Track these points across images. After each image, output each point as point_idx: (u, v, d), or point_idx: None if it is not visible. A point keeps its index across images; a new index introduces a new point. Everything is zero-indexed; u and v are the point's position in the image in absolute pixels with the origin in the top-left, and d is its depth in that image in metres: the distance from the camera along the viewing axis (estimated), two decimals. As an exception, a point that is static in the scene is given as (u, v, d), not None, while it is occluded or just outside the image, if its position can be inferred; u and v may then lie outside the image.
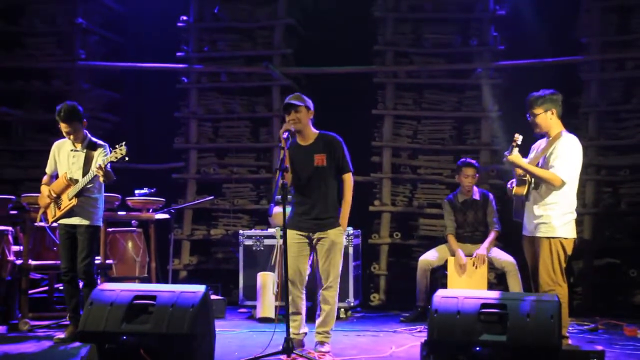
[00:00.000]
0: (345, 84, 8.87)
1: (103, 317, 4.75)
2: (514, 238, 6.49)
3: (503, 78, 8.71)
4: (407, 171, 8.86)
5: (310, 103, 5.68)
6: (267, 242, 7.67)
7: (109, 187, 6.34)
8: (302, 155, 5.65)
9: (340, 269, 5.70)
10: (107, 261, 7.45)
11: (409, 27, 8.99)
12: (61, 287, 6.84)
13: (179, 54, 9.25)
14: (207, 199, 8.31)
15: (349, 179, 5.66)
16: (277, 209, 5.72)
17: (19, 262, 6.92)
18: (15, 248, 7.07)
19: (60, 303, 7.36)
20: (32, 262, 6.86)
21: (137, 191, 7.57)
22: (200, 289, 4.94)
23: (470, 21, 8.85)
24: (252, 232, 7.88)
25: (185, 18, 9.23)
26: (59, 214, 6.12)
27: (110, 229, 7.71)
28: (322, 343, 5.61)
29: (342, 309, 7.49)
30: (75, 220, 6.11)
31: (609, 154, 8.45)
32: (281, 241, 6.84)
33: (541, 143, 5.77)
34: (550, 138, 5.64)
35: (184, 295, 4.85)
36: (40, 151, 8.42)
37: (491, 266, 7.32)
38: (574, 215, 5.64)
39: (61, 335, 6.13)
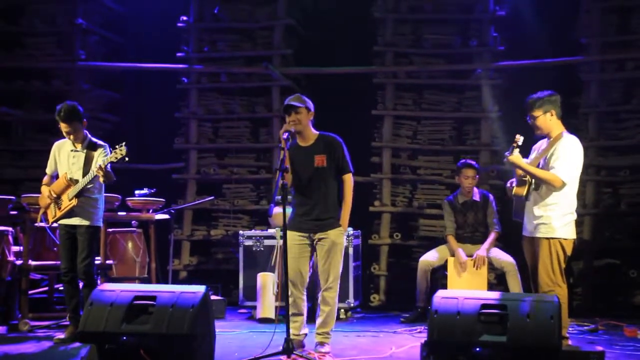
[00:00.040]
0: (345, 85, 8.87)
1: (103, 317, 4.75)
2: (514, 238, 6.50)
3: (503, 78, 8.72)
4: (407, 172, 8.86)
5: (310, 104, 5.68)
6: (267, 242, 7.67)
7: (109, 187, 6.34)
8: (303, 156, 5.65)
9: (341, 269, 5.70)
10: (107, 261, 7.45)
11: (409, 28, 8.99)
12: (61, 288, 6.83)
13: (179, 54, 9.25)
14: (207, 199, 8.30)
15: (349, 179, 5.66)
16: (277, 210, 5.72)
17: (19, 262, 6.92)
18: (15, 248, 7.07)
19: (60, 303, 7.35)
20: (32, 263, 6.86)
21: (137, 191, 7.57)
22: (200, 289, 4.94)
23: (470, 22, 8.85)
24: (252, 232, 7.88)
25: (185, 18, 9.24)
26: (59, 214, 6.12)
27: (110, 230, 7.71)
28: (322, 344, 5.61)
29: (342, 310, 7.49)
30: (75, 221, 6.11)
31: (609, 154, 8.45)
32: (281, 242, 6.84)
33: (542, 144, 5.77)
34: (551, 139, 5.65)
35: (184, 295, 4.86)
36: (40, 151, 8.42)
37: (491, 266, 7.32)
38: (574, 216, 5.65)
39: (61, 335, 6.13)
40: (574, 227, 5.63)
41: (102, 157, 5.98)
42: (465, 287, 6.92)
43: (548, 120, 5.63)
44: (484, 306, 4.62)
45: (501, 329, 4.52)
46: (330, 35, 8.95)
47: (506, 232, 7.46)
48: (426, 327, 5.22)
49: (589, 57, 8.47)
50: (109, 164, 5.91)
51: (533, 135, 5.80)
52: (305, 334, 5.72)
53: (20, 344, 5.85)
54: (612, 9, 8.52)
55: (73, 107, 6.08)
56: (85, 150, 6.14)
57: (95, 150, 6.13)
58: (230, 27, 9.29)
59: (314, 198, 5.63)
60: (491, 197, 7.61)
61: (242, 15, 9.27)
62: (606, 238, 8.35)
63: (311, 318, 5.92)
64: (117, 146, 5.86)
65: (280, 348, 5.22)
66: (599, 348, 5.48)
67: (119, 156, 5.81)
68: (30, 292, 7.07)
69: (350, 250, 7.51)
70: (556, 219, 5.53)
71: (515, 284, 7.09)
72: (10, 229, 7.02)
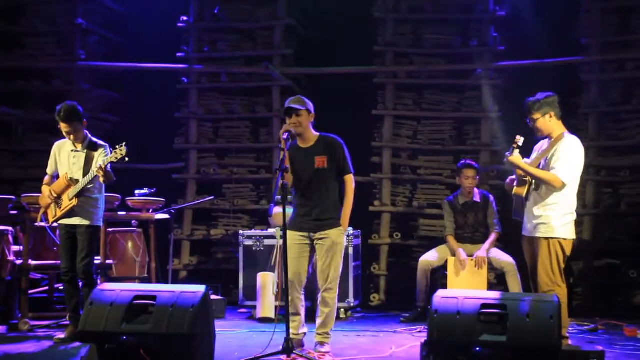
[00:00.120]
0: (345, 85, 8.87)
1: (103, 317, 4.75)
2: (514, 238, 6.50)
3: (503, 79, 8.72)
4: (407, 172, 8.86)
5: (311, 106, 5.67)
6: (267, 242, 7.67)
7: (109, 187, 6.34)
8: (303, 157, 5.65)
9: (341, 270, 5.69)
10: (107, 261, 7.45)
11: (409, 28, 8.99)
12: (61, 287, 6.84)
13: (179, 54, 9.25)
14: (207, 199, 8.31)
15: (350, 180, 5.66)
16: (277, 209, 5.72)
17: (19, 262, 6.92)
18: (15, 248, 7.07)
19: (60, 303, 7.36)
20: (32, 262, 6.86)
21: (137, 191, 7.57)
22: (200, 289, 4.94)
23: (470, 22, 8.85)
24: (252, 232, 7.88)
25: (185, 18, 9.24)
26: (59, 214, 6.12)
27: (110, 229, 7.71)
28: (322, 344, 5.61)
29: (342, 309, 7.49)
30: (75, 221, 6.11)
31: (609, 154, 8.45)
32: (281, 241, 6.84)
33: (543, 144, 5.77)
34: (552, 139, 5.65)
35: (184, 295, 4.86)
36: (40, 151, 8.43)
37: (491, 266, 7.32)
38: (574, 217, 5.65)
39: (61, 335, 6.13)
40: (573, 227, 5.64)
41: (102, 157, 5.99)
42: (465, 287, 6.91)
43: (548, 122, 5.64)
44: (484, 306, 4.62)
45: (501, 329, 4.52)
46: (331, 35, 8.95)
47: (506, 232, 7.46)
48: (426, 327, 5.21)
49: (589, 57, 8.47)
50: (109, 164, 5.91)
51: (534, 136, 5.80)
52: (304, 333, 5.72)
53: (20, 344, 5.85)
54: (612, 9, 8.51)
55: (73, 108, 6.08)
56: (85, 151, 6.15)
57: (95, 150, 6.14)
58: (230, 27, 9.29)
59: (314, 199, 5.63)
60: (491, 197, 7.61)
61: (242, 15, 9.27)
62: (606, 238, 8.35)
63: (311, 318, 5.92)
64: (117, 146, 5.86)
65: (280, 348, 5.23)
66: (599, 348, 5.49)
67: (119, 156, 5.82)
68: (30, 291, 7.08)
69: (350, 250, 7.51)
70: (556, 219, 5.53)
71: (515, 284, 7.09)
72: (10, 228, 7.02)
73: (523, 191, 5.70)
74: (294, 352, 5.20)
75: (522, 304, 4.64)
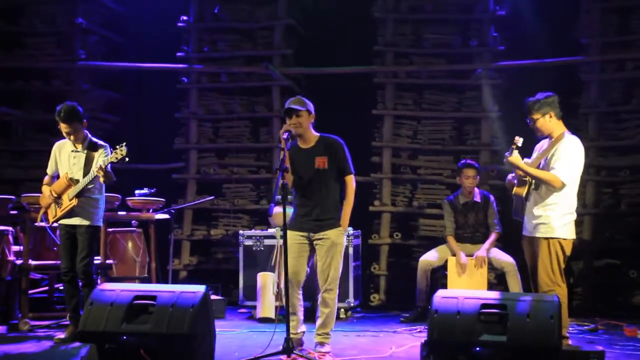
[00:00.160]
0: (345, 85, 8.87)
1: (103, 317, 4.75)
2: (514, 238, 6.50)
3: (503, 78, 8.72)
4: (407, 171, 8.86)
5: (311, 106, 5.67)
6: (267, 242, 7.67)
7: (109, 187, 6.34)
8: (303, 158, 5.65)
9: (341, 270, 5.69)
10: (107, 261, 7.45)
11: (409, 28, 8.99)
12: (61, 287, 6.84)
13: (179, 54, 9.25)
14: (207, 199, 8.31)
15: (350, 181, 5.65)
16: (277, 209, 5.71)
17: (19, 262, 6.92)
18: (15, 248, 7.07)
19: (60, 303, 7.36)
20: (32, 262, 6.86)
21: (137, 191, 7.57)
22: (200, 289, 4.94)
23: (470, 22, 8.85)
24: (252, 232, 7.88)
25: (185, 18, 9.24)
26: (59, 214, 6.12)
27: (110, 229, 7.71)
28: (322, 344, 5.60)
29: (342, 309, 7.49)
30: (75, 221, 6.11)
31: (609, 154, 8.45)
32: (281, 241, 6.84)
33: (544, 144, 5.77)
34: (553, 139, 5.65)
35: (184, 295, 4.86)
36: (40, 151, 8.44)
37: (491, 266, 7.32)
38: (574, 216, 5.65)
39: (61, 335, 6.13)
40: (573, 227, 5.64)
41: (102, 158, 5.99)
42: (465, 287, 6.91)
43: (548, 122, 5.64)
44: (484, 306, 4.62)
45: (501, 329, 4.52)
46: (331, 35, 8.95)
47: (506, 232, 7.46)
48: (426, 327, 5.21)
49: (589, 57, 8.47)
50: (110, 164, 5.91)
51: (534, 136, 5.80)
52: (303, 332, 5.72)
53: (20, 344, 5.86)
54: (612, 9, 8.51)
55: (73, 108, 6.08)
56: (85, 151, 6.15)
57: (95, 150, 6.14)
58: (230, 27, 9.29)
59: (315, 199, 5.62)
60: (492, 197, 7.61)
61: (242, 15, 9.27)
62: (606, 238, 8.35)
63: (311, 318, 5.92)
64: (117, 146, 5.86)
65: (280, 347, 5.23)
66: (599, 348, 5.49)
67: (120, 156, 5.82)
68: (30, 291, 7.08)
69: (350, 250, 7.51)
70: (555, 218, 5.53)
71: (515, 284, 7.09)
72: (10, 228, 7.02)
73: (523, 191, 5.70)
74: (294, 351, 5.20)
75: (522, 303, 4.64)
